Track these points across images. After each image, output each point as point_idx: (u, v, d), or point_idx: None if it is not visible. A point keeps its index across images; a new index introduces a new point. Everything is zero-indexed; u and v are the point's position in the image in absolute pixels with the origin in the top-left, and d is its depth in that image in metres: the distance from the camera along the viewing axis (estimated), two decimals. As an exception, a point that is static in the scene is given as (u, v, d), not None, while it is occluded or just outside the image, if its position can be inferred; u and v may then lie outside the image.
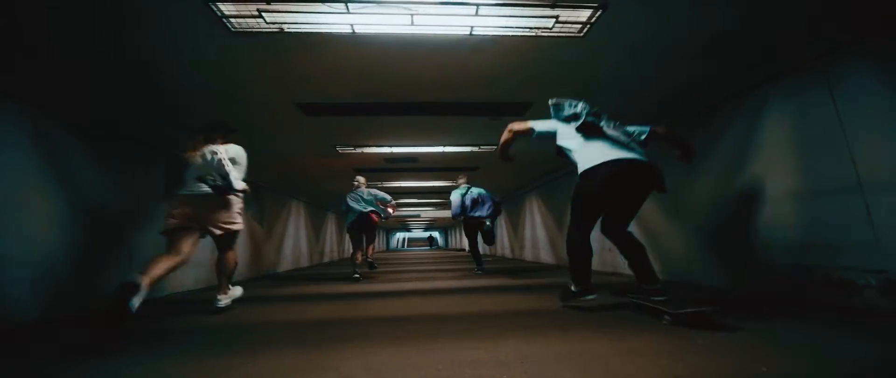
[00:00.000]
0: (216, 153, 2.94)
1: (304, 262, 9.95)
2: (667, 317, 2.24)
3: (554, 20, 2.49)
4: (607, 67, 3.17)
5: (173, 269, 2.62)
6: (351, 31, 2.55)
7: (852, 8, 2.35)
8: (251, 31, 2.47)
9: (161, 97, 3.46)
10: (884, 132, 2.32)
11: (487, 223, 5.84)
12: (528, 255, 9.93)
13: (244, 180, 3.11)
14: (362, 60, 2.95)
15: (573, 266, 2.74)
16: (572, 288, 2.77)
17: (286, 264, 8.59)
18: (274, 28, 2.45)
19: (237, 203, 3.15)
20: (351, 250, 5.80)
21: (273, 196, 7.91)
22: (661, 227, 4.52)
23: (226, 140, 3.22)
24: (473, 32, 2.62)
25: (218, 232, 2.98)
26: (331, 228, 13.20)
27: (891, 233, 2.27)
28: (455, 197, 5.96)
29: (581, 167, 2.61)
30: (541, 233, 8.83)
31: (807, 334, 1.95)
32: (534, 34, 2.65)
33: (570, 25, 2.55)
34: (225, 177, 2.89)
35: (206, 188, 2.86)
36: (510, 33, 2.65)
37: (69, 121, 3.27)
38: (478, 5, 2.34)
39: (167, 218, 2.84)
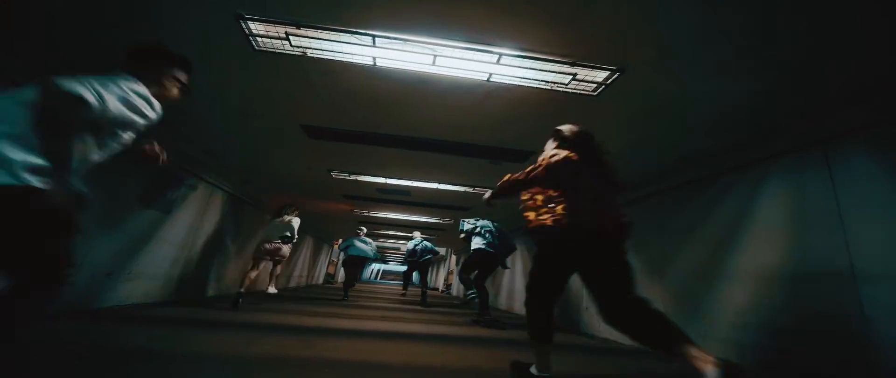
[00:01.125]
0: (290, 221, 5.63)
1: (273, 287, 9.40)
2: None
3: (571, 77, 2.59)
4: (614, 129, 3.27)
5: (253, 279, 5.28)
6: (372, 63, 2.57)
7: (863, 98, 2.52)
8: (274, 52, 2.45)
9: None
10: (880, 220, 2.40)
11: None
12: (502, 303, 9.65)
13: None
14: (377, 92, 2.96)
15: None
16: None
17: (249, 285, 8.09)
18: (298, 51, 2.45)
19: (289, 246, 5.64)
20: (343, 280, 8.20)
21: (252, 212, 7.59)
22: (643, 292, 4.50)
23: (294, 212, 5.82)
24: (491, 79, 2.69)
25: (278, 258, 5.62)
26: (305, 253, 12.68)
27: (881, 327, 2.27)
28: (409, 244, 8.57)
29: None
30: (519, 283, 8.66)
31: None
32: (549, 87, 2.73)
33: (585, 84, 2.64)
34: (292, 233, 5.58)
35: (280, 239, 5.50)
36: (526, 84, 2.72)
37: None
38: (501, 54, 2.41)
39: (259, 248, 5.47)
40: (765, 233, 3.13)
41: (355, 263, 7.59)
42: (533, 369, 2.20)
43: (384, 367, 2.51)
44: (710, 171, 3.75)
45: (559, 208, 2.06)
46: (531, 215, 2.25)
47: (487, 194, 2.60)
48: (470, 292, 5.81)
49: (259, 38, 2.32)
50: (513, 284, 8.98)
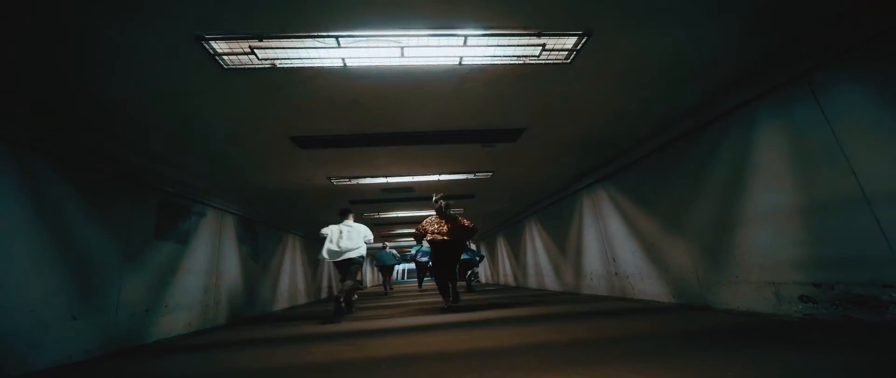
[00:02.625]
0: (351, 227, 5.66)
1: (302, 300, 9.68)
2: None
3: (541, 48, 2.55)
4: (596, 92, 3.22)
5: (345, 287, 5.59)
6: (342, 64, 2.59)
7: (831, 29, 2.43)
8: (244, 68, 2.50)
9: (151, 134, 3.46)
10: (879, 142, 2.32)
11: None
12: (531, 282, 9.72)
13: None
14: (355, 93, 2.98)
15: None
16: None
17: (282, 302, 8.35)
18: (266, 64, 2.49)
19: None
20: (378, 282, 12.30)
21: (268, 231, 7.80)
22: (667, 251, 4.44)
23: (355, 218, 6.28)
24: (463, 62, 2.67)
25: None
26: (331, 263, 12.96)
27: None
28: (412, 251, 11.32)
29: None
30: (543, 259, 8.69)
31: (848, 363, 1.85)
32: (522, 62, 2.70)
33: (556, 53, 2.60)
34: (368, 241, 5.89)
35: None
36: (498, 62, 2.69)
37: (55, 159, 3.22)
38: (466, 36, 2.39)
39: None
40: (769, 173, 3.06)
41: (385, 268, 11.59)
42: (443, 305, 5.50)
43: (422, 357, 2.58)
44: (700, 122, 3.68)
45: (432, 231, 5.24)
46: (429, 235, 5.31)
47: (417, 236, 5.58)
48: (461, 283, 8.73)
49: (225, 57, 2.37)
50: (504, 267, 9.03)
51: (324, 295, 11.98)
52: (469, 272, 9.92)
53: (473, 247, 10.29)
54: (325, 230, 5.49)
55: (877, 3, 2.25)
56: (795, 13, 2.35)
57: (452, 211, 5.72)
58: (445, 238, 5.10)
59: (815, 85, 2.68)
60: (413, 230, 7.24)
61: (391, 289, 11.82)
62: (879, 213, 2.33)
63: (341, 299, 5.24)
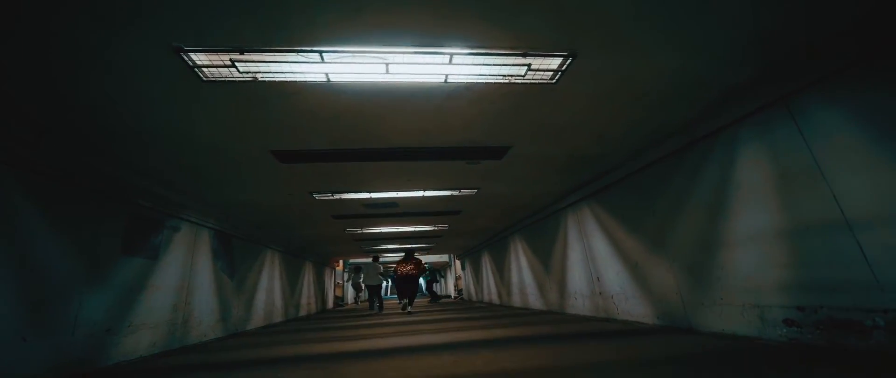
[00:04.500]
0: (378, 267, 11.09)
1: (278, 318, 9.31)
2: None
3: (526, 68, 2.56)
4: (581, 113, 3.26)
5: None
6: (326, 79, 2.54)
7: (808, 56, 2.53)
8: (224, 81, 2.43)
9: (126, 144, 3.31)
10: (858, 167, 2.38)
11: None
12: (516, 301, 9.63)
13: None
14: (338, 108, 2.93)
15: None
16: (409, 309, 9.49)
17: (257, 320, 8.01)
18: (247, 77, 2.42)
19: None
20: (363, 300, 16.22)
21: (245, 245, 7.53)
22: (652, 272, 4.46)
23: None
24: (448, 80, 2.66)
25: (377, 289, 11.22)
26: (308, 278, 12.58)
27: (888, 270, 2.25)
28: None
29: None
30: (528, 277, 8.63)
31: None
32: (507, 81, 2.70)
33: (542, 73, 2.62)
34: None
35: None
36: (484, 80, 2.69)
37: (16, 166, 3.03)
38: (452, 54, 2.38)
39: (359, 284, 14.25)
40: (751, 194, 3.11)
41: (372, 287, 11.58)
42: (407, 309, 9.51)
43: None
44: (684, 142, 3.74)
45: (402, 271, 9.68)
46: (400, 271, 9.70)
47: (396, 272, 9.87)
48: (404, 301, 10.14)
49: (205, 69, 2.29)
50: (489, 284, 8.97)
51: (303, 313, 11.58)
52: (434, 288, 16.32)
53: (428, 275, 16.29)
54: (360, 266, 10.20)
55: (843, 40, 2.37)
56: (773, 42, 2.44)
57: (415, 256, 10.46)
58: (410, 272, 9.61)
59: (793, 107, 2.76)
60: (398, 245, 11.34)
61: (381, 307, 11.25)
62: (860, 237, 2.38)
63: (379, 305, 11.17)
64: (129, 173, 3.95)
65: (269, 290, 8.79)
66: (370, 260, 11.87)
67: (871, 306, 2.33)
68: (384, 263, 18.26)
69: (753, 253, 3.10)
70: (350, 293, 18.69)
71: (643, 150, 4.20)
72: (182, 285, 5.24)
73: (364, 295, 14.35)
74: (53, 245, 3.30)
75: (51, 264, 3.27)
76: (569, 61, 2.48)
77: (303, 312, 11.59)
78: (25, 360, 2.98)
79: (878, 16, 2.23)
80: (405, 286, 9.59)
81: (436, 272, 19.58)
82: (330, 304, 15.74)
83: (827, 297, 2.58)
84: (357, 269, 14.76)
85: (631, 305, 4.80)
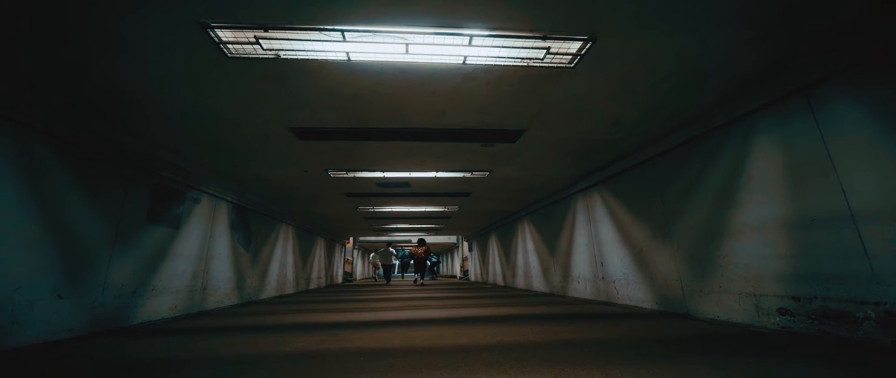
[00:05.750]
0: (391, 250, 14.82)
1: (290, 289, 9.66)
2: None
3: (545, 51, 2.57)
4: (598, 98, 3.25)
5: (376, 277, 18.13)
6: (346, 58, 2.59)
7: (832, 45, 2.48)
8: (248, 57, 2.49)
9: (152, 118, 3.43)
10: (869, 161, 2.38)
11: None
12: (520, 283, 9.80)
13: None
14: (357, 87, 2.98)
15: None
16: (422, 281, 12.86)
17: (270, 290, 8.32)
18: (270, 54, 2.48)
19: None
20: (376, 276, 18.26)
21: (261, 219, 7.75)
22: (655, 258, 4.51)
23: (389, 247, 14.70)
24: (467, 61, 2.68)
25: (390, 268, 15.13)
26: (320, 253, 12.93)
27: (887, 263, 2.28)
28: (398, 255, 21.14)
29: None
30: (533, 260, 8.76)
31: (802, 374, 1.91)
32: (525, 64, 2.72)
33: (560, 57, 2.62)
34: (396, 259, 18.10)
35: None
36: (502, 63, 2.71)
37: (54, 139, 3.20)
38: (471, 36, 2.40)
39: (376, 262, 17.13)
40: (761, 185, 3.12)
41: (386, 266, 14.92)
42: (418, 282, 12.98)
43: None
44: (698, 132, 3.72)
45: (414, 252, 12.73)
46: (414, 253, 12.85)
47: (412, 254, 13.16)
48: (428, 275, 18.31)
49: (230, 46, 2.36)
50: (493, 265, 9.08)
51: (313, 286, 11.96)
52: (435, 269, 21.81)
53: (433, 257, 20.21)
54: (383, 252, 14.30)
55: (879, 22, 2.30)
56: (798, 25, 2.38)
57: (426, 242, 12.75)
58: (420, 254, 12.45)
59: (813, 99, 2.73)
60: (407, 225, 13.19)
61: (388, 280, 15.29)
62: (863, 230, 2.40)
63: (387, 279, 14.96)
64: (153, 146, 4.09)
65: (282, 263, 9.08)
66: (386, 247, 15.40)
67: (865, 299, 2.38)
68: (393, 243, 22.35)
69: (757, 243, 3.13)
70: (359, 269, 21.59)
71: (658, 137, 4.18)
72: (201, 254, 5.47)
73: (380, 272, 17.96)
74: (85, 210, 3.49)
75: (83, 229, 3.46)
76: (589, 45, 2.48)
77: (313, 285, 11.96)
78: (62, 316, 3.20)
79: (911, 7, 2.17)
80: (418, 264, 12.88)
81: (436, 255, 26.58)
82: (339, 279, 16.20)
83: (823, 288, 2.63)
84: (380, 252, 18.64)
85: (631, 290, 4.89)
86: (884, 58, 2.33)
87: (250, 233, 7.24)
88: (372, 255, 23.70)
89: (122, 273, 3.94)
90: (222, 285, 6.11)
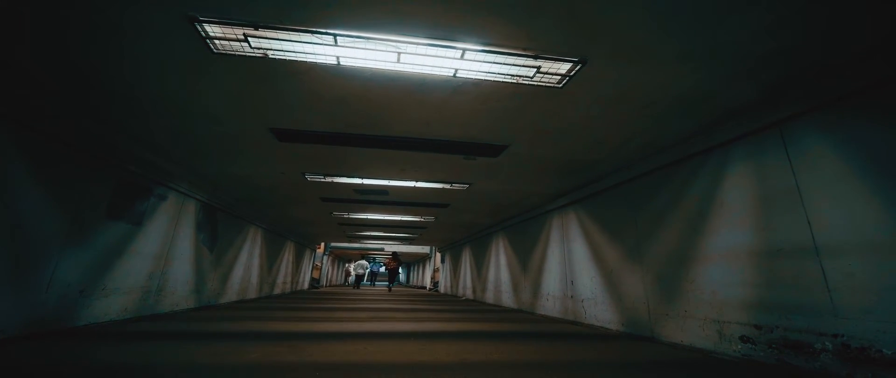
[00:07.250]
0: (364, 263, 19.79)
1: (252, 294, 9.22)
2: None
3: (535, 70, 2.62)
4: (582, 119, 3.34)
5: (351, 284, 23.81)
6: (336, 62, 2.54)
7: (808, 84, 2.65)
8: (234, 54, 2.40)
9: (124, 110, 3.23)
10: (836, 196, 2.51)
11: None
12: (489, 297, 9.79)
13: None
14: (344, 92, 2.93)
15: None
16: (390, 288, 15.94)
17: (231, 295, 7.91)
18: (258, 53, 2.40)
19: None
20: (345, 282, 24.99)
21: (230, 220, 7.41)
22: (624, 280, 4.62)
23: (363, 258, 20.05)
24: (457, 74, 2.70)
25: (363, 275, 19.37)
26: (288, 257, 12.46)
27: (846, 296, 2.39)
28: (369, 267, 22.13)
29: None
30: (505, 275, 8.79)
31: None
32: (515, 81, 2.76)
33: (550, 76, 2.69)
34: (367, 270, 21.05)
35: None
36: (492, 79, 2.74)
37: (11, 120, 2.93)
38: (464, 49, 2.42)
39: (350, 271, 26.88)
40: (732, 213, 3.25)
41: (359, 275, 17.79)
42: (390, 289, 16.12)
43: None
44: (676, 158, 3.87)
45: (389, 264, 15.54)
46: (388, 264, 15.61)
47: (387, 265, 15.67)
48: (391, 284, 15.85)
49: (217, 41, 2.27)
50: (465, 281, 9.10)
51: (277, 291, 11.49)
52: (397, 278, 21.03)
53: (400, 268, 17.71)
54: (358, 263, 18.54)
55: (857, 64, 2.47)
56: (785, 65, 2.52)
57: (399, 257, 14.73)
58: (393, 266, 15.12)
59: (786, 132, 2.87)
60: (382, 233, 12.79)
61: (357, 287, 17.52)
62: (825, 263, 2.52)
63: (358, 286, 17.99)
64: (123, 138, 3.85)
65: (247, 266, 8.69)
66: (362, 260, 17.89)
67: (823, 330, 2.48)
68: (366, 254, 24.48)
69: (724, 270, 3.24)
70: (326, 274, 21.35)
71: (637, 161, 4.33)
72: (161, 253, 5.15)
73: (352, 280, 20.93)
74: (38, 201, 3.21)
75: (32, 220, 3.18)
76: (578, 67, 2.55)
77: (278, 291, 11.50)
78: (-2, 317, 2.90)
79: (882, 50, 2.36)
80: (391, 274, 15.49)
81: (404, 265, 30.56)
82: (306, 284, 15.66)
83: (784, 318, 2.73)
84: (355, 263, 21.39)
85: (599, 311, 4.98)
86: (860, 95, 2.47)
87: (216, 233, 6.90)
88: (347, 264, 26.78)
89: (72, 271, 3.64)
90: (180, 287, 5.75)
